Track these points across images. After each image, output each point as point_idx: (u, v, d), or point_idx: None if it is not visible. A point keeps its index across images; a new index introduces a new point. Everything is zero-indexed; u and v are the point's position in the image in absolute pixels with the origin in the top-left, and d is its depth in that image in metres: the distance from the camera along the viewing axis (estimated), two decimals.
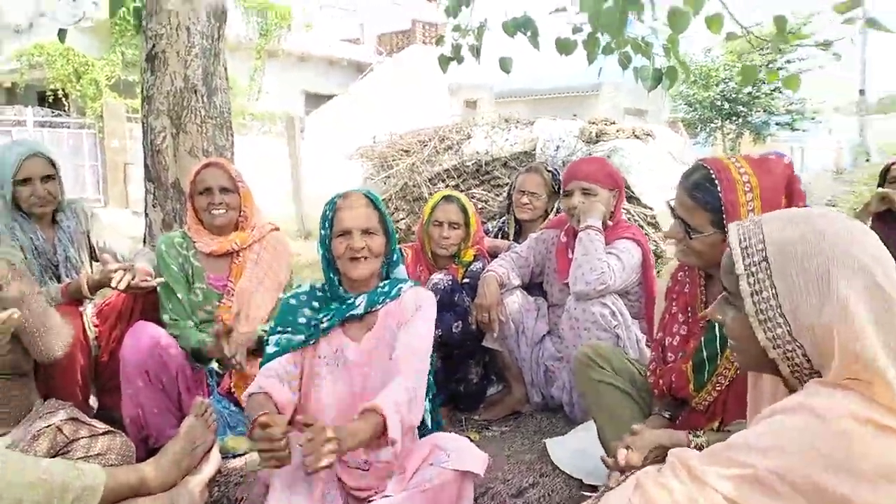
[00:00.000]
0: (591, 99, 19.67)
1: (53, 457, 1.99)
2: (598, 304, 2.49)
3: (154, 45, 3.11)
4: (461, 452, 1.75)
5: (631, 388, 2.07)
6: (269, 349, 2.00)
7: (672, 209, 1.84)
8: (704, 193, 1.74)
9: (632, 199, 5.39)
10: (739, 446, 1.06)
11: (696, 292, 1.93)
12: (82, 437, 2.04)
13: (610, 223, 2.71)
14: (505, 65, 3.69)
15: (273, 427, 1.65)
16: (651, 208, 6.19)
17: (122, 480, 1.90)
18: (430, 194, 7.42)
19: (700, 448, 1.61)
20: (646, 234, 4.54)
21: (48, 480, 1.70)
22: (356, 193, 2.04)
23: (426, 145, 8.02)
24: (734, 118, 20.61)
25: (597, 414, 2.10)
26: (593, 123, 7.21)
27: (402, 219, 8.00)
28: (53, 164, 2.70)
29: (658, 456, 1.66)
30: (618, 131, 6.76)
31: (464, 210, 2.95)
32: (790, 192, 1.75)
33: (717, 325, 1.77)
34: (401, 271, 2.11)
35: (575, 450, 2.39)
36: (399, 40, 21.42)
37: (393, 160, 8.14)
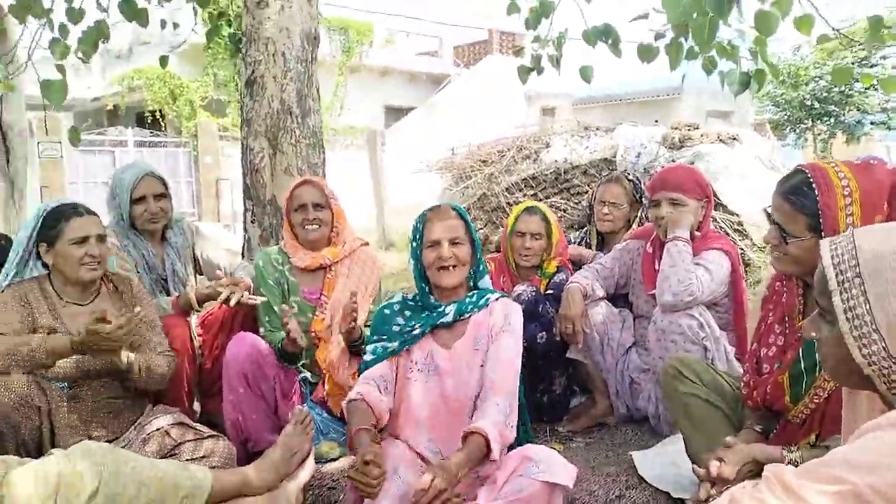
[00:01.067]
0: (673, 102, 19.20)
1: (162, 457, 2.14)
2: (685, 315, 2.46)
3: (253, 71, 3.29)
4: (551, 464, 1.78)
5: (720, 401, 2.04)
6: (367, 357, 2.11)
7: (769, 215, 1.82)
8: (801, 197, 1.72)
9: (718, 205, 5.25)
10: (837, 462, 1.04)
11: (794, 302, 1.89)
12: (188, 441, 2.19)
13: (698, 234, 2.66)
14: (586, 74, 3.68)
15: (374, 468, 1.74)
16: (738, 215, 6.00)
17: (227, 482, 2.02)
18: (508, 203, 7.45)
19: (795, 464, 1.58)
20: (733, 241, 4.40)
21: (162, 479, 1.83)
22: (444, 206, 2.15)
23: (504, 155, 8.06)
24: (825, 118, 19.57)
25: (685, 427, 2.08)
26: (676, 129, 7.05)
27: (480, 228, 8.05)
28: (164, 184, 2.91)
29: (750, 471, 1.63)
30: (702, 136, 6.59)
31: (546, 220, 2.98)
32: (894, 199, 1.69)
33: None
34: (486, 281, 2.20)
35: (662, 463, 2.37)
36: (476, 51, 21.58)
37: (471, 170, 8.23)
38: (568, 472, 1.80)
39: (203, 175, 15.76)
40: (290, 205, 2.78)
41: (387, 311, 2.17)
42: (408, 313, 2.15)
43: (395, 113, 19.67)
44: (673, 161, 6.26)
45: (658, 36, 3.48)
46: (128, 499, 1.74)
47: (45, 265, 2.28)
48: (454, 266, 2.06)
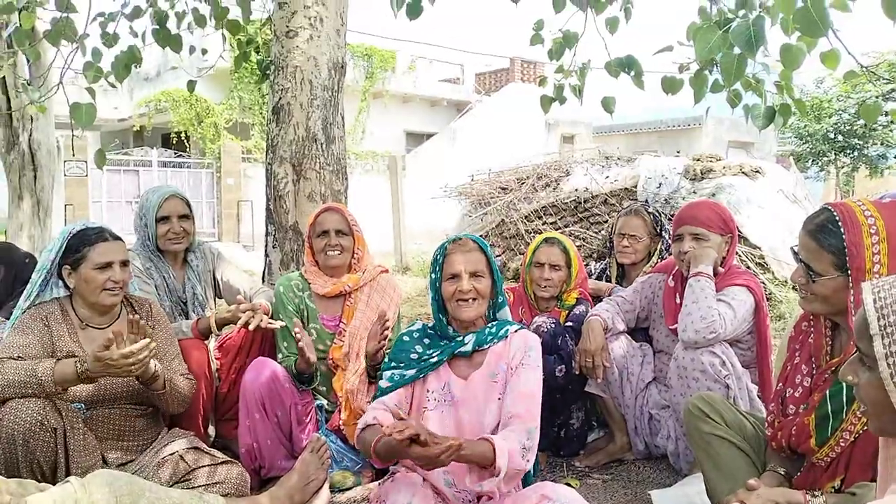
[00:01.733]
0: (694, 132, 19.20)
1: (176, 482, 2.13)
2: (707, 353, 2.42)
3: (280, 98, 3.33)
4: None
5: (743, 441, 2.00)
6: (383, 383, 2.09)
7: (795, 253, 1.81)
8: (827, 235, 1.72)
9: (740, 238, 5.19)
10: None
11: (822, 342, 1.86)
12: (203, 466, 2.18)
13: (721, 269, 2.63)
14: (608, 105, 3.68)
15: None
16: (759, 248, 5.94)
17: None
18: (527, 231, 7.45)
19: None
20: (754, 275, 4.35)
21: None
22: (465, 238, 2.13)
23: (524, 182, 8.08)
24: (849, 151, 19.45)
25: (706, 467, 2.04)
26: (697, 160, 7.03)
27: (498, 255, 8.06)
28: (188, 206, 2.96)
29: None
30: (724, 168, 6.56)
31: (565, 252, 2.96)
32: None
33: None
34: (506, 313, 2.17)
35: (682, 503, 2.32)
36: (498, 79, 21.79)
37: (490, 197, 8.25)
38: None
39: (224, 196, 15.96)
40: (312, 230, 2.80)
41: (406, 339, 2.15)
42: (427, 341, 2.13)
43: (416, 138, 19.86)
44: (694, 192, 6.24)
45: (682, 68, 3.48)
46: None
47: (66, 286, 2.29)
48: (473, 299, 2.05)
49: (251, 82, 15.66)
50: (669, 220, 3.26)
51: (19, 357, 2.08)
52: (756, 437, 2.00)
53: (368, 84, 18.08)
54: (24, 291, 2.30)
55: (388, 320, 2.45)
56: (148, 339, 2.08)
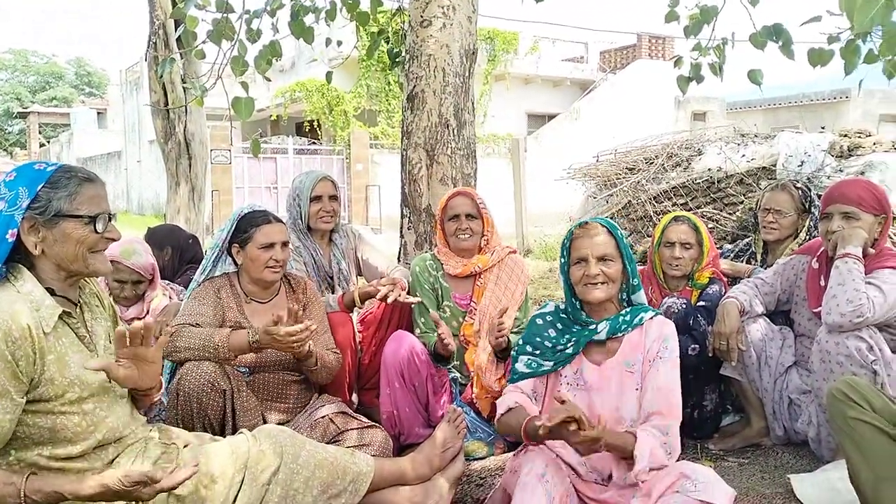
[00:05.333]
0: (840, 106, 17.71)
1: (327, 443, 2.34)
2: (853, 337, 2.32)
3: (414, 86, 3.48)
4: (708, 484, 1.73)
5: (891, 428, 1.92)
6: (520, 367, 2.16)
7: None
8: None
9: (894, 219, 4.82)
10: None
11: None
12: (351, 429, 2.38)
13: (872, 251, 2.50)
14: (755, 78, 3.50)
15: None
16: None
17: (387, 471, 2.18)
18: (656, 213, 7.25)
19: None
20: None
21: (333, 463, 2.02)
22: (593, 223, 2.14)
23: (652, 162, 7.82)
24: None
25: (850, 453, 1.97)
26: (844, 136, 6.55)
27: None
28: (336, 188, 3.22)
29: None
30: (874, 144, 6.08)
31: (696, 229, 2.91)
32: None
33: None
34: (641, 296, 2.15)
35: (823, 488, 2.25)
36: (624, 56, 21.13)
37: (616, 178, 8.06)
38: (725, 494, 1.73)
39: (354, 181, 16.63)
40: (443, 214, 2.93)
41: (539, 322, 2.19)
42: (560, 326, 2.15)
43: (538, 120, 19.68)
44: (840, 171, 5.83)
45: (832, 39, 3.29)
46: (304, 478, 1.94)
47: (235, 262, 2.56)
48: (602, 283, 2.05)
49: (378, 70, 16.16)
50: (818, 196, 3.10)
51: (196, 324, 2.35)
52: None
53: (490, 67, 18.08)
54: (200, 265, 2.60)
55: (505, 316, 2.55)
56: (310, 322, 2.29)
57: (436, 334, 2.68)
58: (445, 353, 2.69)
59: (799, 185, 3.19)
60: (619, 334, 2.07)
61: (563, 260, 2.16)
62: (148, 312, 2.93)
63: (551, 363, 2.11)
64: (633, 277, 2.12)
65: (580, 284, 2.08)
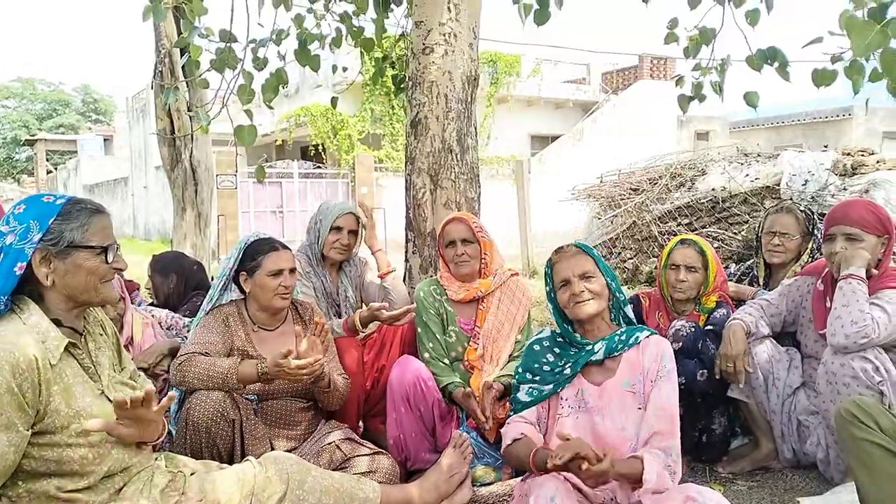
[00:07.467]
0: (843, 124, 17.75)
1: (333, 470, 2.33)
2: (858, 358, 2.32)
3: (417, 113, 3.52)
4: None
5: None
6: (522, 397, 2.18)
7: None
8: None
9: None
10: None
11: None
12: (360, 455, 2.37)
13: (875, 272, 2.50)
14: (752, 100, 3.53)
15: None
16: None
17: (393, 498, 2.18)
18: (661, 233, 7.25)
19: None
20: None
21: (339, 489, 2.02)
22: (568, 246, 2.22)
23: (656, 183, 7.83)
24: None
25: (859, 474, 1.96)
26: (847, 154, 6.57)
27: (629, 258, 7.87)
28: (358, 224, 3.28)
29: None
30: (878, 162, 6.09)
31: (702, 253, 2.91)
32: None
33: None
34: (629, 309, 2.22)
35: None
36: (625, 77, 21.26)
37: (621, 199, 8.07)
38: None
39: (358, 204, 16.66)
40: (441, 241, 2.96)
41: (536, 348, 2.23)
42: (557, 350, 2.19)
43: (541, 141, 19.77)
44: (844, 189, 5.84)
45: (834, 59, 3.30)
46: None
47: (241, 290, 2.57)
48: (589, 299, 2.11)
49: (382, 94, 16.30)
50: (821, 218, 3.10)
51: (205, 353, 2.35)
52: None
53: (493, 89, 18.23)
54: (208, 295, 2.61)
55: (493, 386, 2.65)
56: (320, 355, 2.29)
57: (454, 379, 2.75)
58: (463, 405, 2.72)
59: (803, 207, 3.19)
60: (617, 353, 2.10)
61: (548, 288, 2.22)
62: (131, 340, 2.86)
63: (551, 385, 2.13)
64: (618, 292, 2.18)
65: (569, 306, 2.13)
